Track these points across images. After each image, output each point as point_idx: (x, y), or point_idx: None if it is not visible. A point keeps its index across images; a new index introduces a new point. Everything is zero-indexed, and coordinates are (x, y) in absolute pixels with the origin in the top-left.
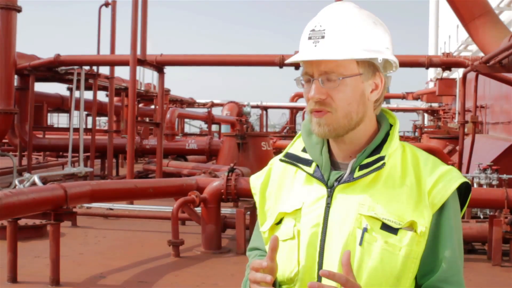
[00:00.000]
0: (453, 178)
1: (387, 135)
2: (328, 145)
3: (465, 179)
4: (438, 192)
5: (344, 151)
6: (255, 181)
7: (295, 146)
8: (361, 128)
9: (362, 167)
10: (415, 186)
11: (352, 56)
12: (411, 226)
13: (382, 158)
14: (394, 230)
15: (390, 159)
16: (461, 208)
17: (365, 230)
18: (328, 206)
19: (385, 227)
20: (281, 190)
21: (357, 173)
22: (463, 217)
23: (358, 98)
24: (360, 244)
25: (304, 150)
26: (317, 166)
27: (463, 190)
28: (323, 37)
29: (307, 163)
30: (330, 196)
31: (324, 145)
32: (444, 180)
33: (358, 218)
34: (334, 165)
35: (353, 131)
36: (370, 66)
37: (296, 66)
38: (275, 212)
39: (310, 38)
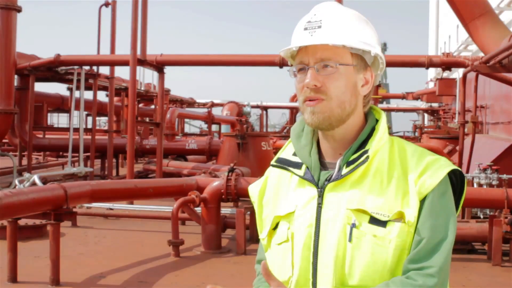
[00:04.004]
0: (441, 167)
1: (373, 130)
2: (318, 146)
3: (454, 167)
4: (425, 181)
5: (334, 149)
6: (253, 189)
7: (287, 151)
8: (350, 122)
9: (349, 164)
10: (402, 177)
11: (350, 43)
12: (400, 217)
13: (366, 152)
14: (382, 223)
15: (378, 153)
16: (460, 197)
17: (353, 225)
18: (319, 206)
19: (374, 220)
20: (278, 195)
21: (344, 170)
22: (463, 217)
23: (351, 89)
24: (350, 240)
25: (294, 154)
26: (307, 168)
27: (459, 178)
28: (319, 27)
29: (297, 166)
30: (320, 196)
31: (313, 146)
32: (431, 169)
33: (347, 214)
34: (323, 165)
35: (344, 124)
36: (362, 60)
37: None
38: (272, 218)
39: (306, 29)
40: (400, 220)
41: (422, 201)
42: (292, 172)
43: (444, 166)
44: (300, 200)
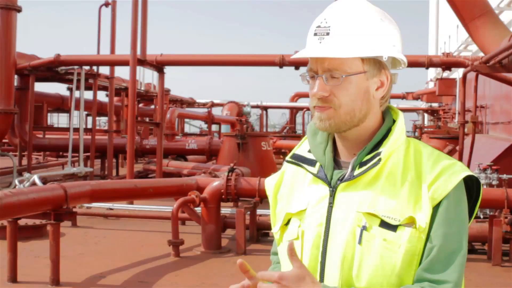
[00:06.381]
0: (456, 172)
1: (389, 131)
2: (334, 144)
3: (469, 172)
4: (439, 187)
5: (348, 149)
6: (269, 183)
7: (302, 147)
8: (365, 125)
9: (362, 165)
10: (415, 181)
11: (355, 54)
12: (411, 222)
13: (378, 154)
14: (393, 227)
15: (393, 155)
16: (475, 203)
17: (363, 228)
18: (330, 205)
19: (384, 224)
20: (292, 191)
21: (357, 171)
22: None
23: (362, 96)
24: (359, 242)
25: (310, 151)
26: (321, 166)
27: (475, 183)
28: (328, 34)
29: (312, 163)
30: (332, 195)
31: (328, 144)
32: (445, 174)
33: (358, 216)
34: (338, 164)
35: (357, 127)
36: (375, 63)
37: (296, 66)
38: (284, 213)
39: (315, 34)
40: (411, 225)
41: (436, 207)
42: (305, 169)
43: (459, 171)
44: (312, 198)
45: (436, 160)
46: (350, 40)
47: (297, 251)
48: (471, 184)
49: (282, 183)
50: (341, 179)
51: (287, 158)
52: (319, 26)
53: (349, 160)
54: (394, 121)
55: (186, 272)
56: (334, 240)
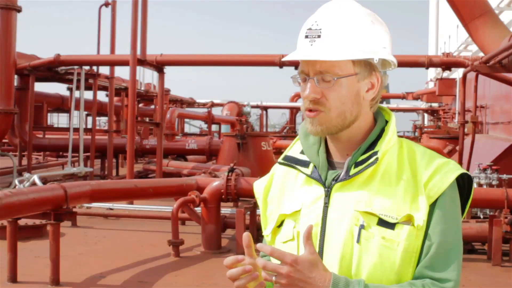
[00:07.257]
0: (450, 170)
1: (382, 131)
2: (326, 145)
3: (463, 170)
4: (435, 185)
5: (341, 150)
6: (258, 186)
7: (294, 148)
8: (356, 126)
9: (357, 164)
10: (411, 180)
11: (346, 57)
12: (409, 220)
13: (375, 153)
14: (391, 225)
15: (386, 155)
16: (466, 200)
17: (362, 227)
18: (326, 205)
19: (382, 222)
20: (283, 193)
21: (352, 171)
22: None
23: (352, 98)
24: (358, 241)
25: (302, 152)
26: (315, 166)
27: (466, 182)
28: (319, 36)
29: (305, 164)
30: (327, 195)
31: (321, 145)
32: (440, 172)
33: (355, 215)
34: (331, 164)
35: (348, 129)
36: (366, 65)
37: (296, 65)
38: (276, 215)
39: (307, 36)
40: (408, 223)
41: (432, 205)
42: (299, 171)
43: (454, 169)
44: (307, 198)
45: (430, 159)
46: (341, 42)
47: (293, 252)
48: (461, 182)
49: (271, 185)
50: (336, 179)
51: (279, 160)
52: (310, 29)
53: (342, 160)
54: (386, 122)
55: (186, 272)
56: (331, 240)
